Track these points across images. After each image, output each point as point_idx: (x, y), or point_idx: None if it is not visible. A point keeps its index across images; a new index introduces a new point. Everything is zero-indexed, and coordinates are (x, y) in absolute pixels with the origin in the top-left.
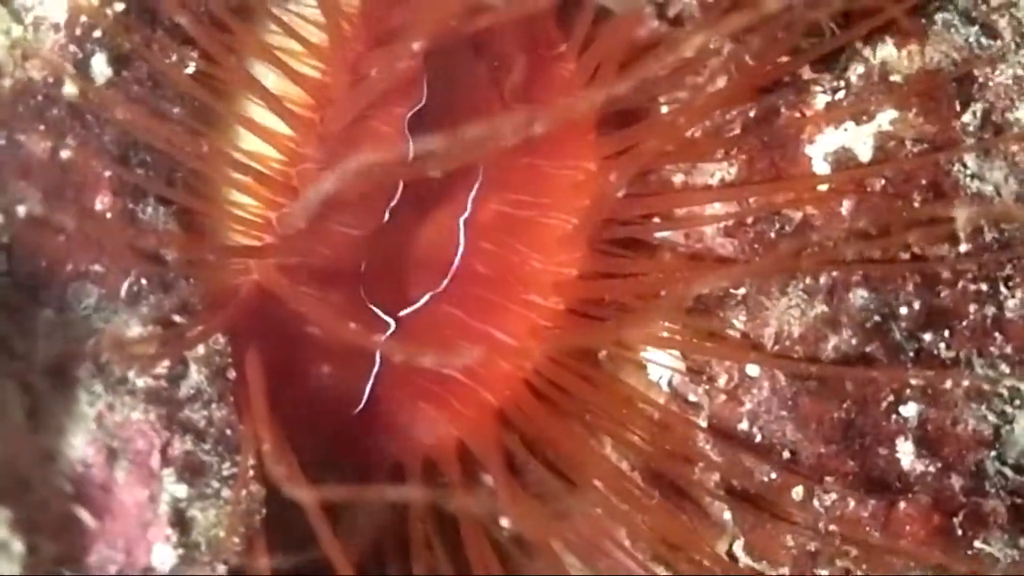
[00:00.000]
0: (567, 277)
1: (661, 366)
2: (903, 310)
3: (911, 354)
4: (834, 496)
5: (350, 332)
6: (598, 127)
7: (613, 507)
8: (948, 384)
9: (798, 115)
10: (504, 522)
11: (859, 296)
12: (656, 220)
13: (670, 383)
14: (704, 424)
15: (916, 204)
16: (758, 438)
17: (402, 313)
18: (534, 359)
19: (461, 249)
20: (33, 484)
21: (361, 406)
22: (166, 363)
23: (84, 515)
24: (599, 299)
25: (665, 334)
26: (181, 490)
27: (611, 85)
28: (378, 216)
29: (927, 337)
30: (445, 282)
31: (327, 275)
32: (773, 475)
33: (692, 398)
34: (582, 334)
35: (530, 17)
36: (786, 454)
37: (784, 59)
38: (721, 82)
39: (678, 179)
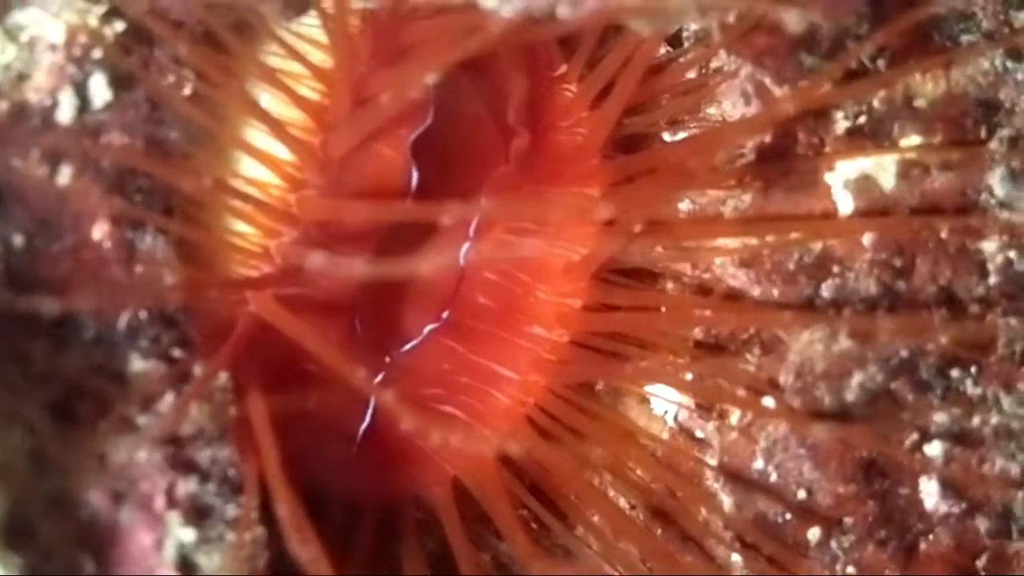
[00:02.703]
0: (571, 308)
1: (666, 400)
2: (930, 345)
3: (939, 391)
4: (852, 537)
5: (345, 370)
6: (603, 152)
7: (611, 546)
8: (975, 422)
9: (817, 141)
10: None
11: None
12: (660, 250)
13: (676, 418)
14: (714, 462)
15: (943, 235)
16: (773, 477)
17: (400, 350)
18: (536, 394)
19: (462, 279)
20: (39, 530)
21: (357, 441)
22: (169, 401)
23: (89, 565)
24: (604, 331)
25: (670, 370)
26: (186, 534)
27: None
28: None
29: (954, 373)
30: (444, 315)
31: (324, 306)
32: (788, 516)
33: (700, 434)
34: (586, 371)
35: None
36: (802, 494)
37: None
38: (737, 107)
39: (685, 205)
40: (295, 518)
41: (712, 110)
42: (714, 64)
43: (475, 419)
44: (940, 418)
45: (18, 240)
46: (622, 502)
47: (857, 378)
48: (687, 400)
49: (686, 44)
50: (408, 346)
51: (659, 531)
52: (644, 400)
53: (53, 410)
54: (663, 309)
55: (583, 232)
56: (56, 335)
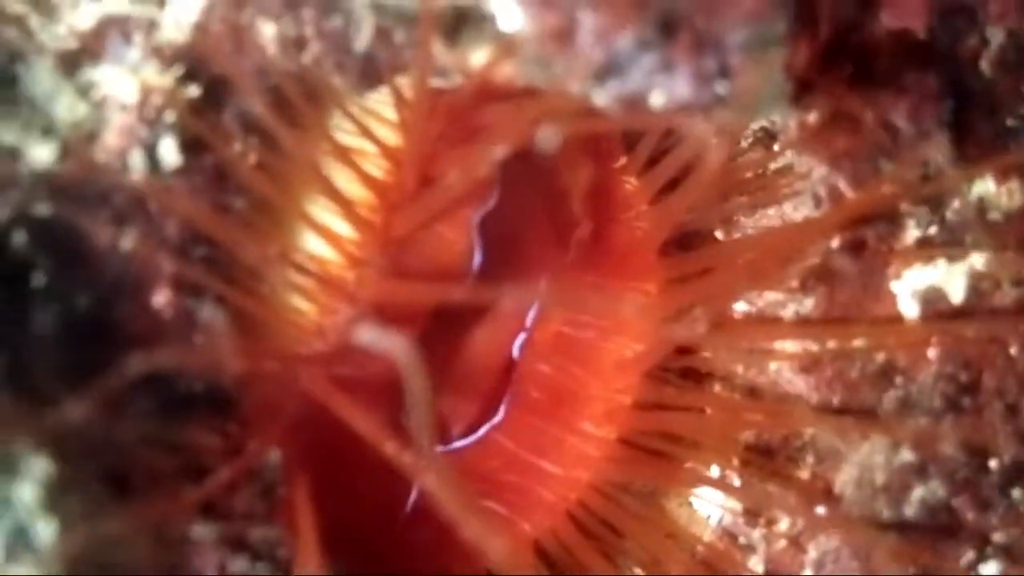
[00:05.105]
0: (621, 405)
1: (711, 503)
2: (993, 463)
3: (1000, 510)
4: None
5: (392, 453)
6: (661, 247)
7: None
8: None
9: (885, 248)
10: None
11: (949, 446)
12: (710, 352)
13: (720, 521)
14: (760, 570)
15: (1012, 352)
16: None
17: (453, 444)
18: (579, 489)
19: (518, 372)
20: None
21: (398, 526)
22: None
23: None
24: (653, 431)
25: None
26: None
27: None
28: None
29: (1016, 494)
30: (501, 413)
31: (372, 391)
32: None
33: (744, 540)
34: (633, 471)
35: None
36: None
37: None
38: (805, 209)
39: (742, 307)
40: None
41: (772, 211)
42: (774, 165)
43: (516, 514)
44: (998, 537)
45: (81, 302)
46: None
47: (918, 492)
48: (733, 504)
49: (744, 143)
50: (465, 442)
51: None
52: (687, 502)
53: (108, 480)
54: (708, 411)
55: (640, 328)
56: (112, 403)
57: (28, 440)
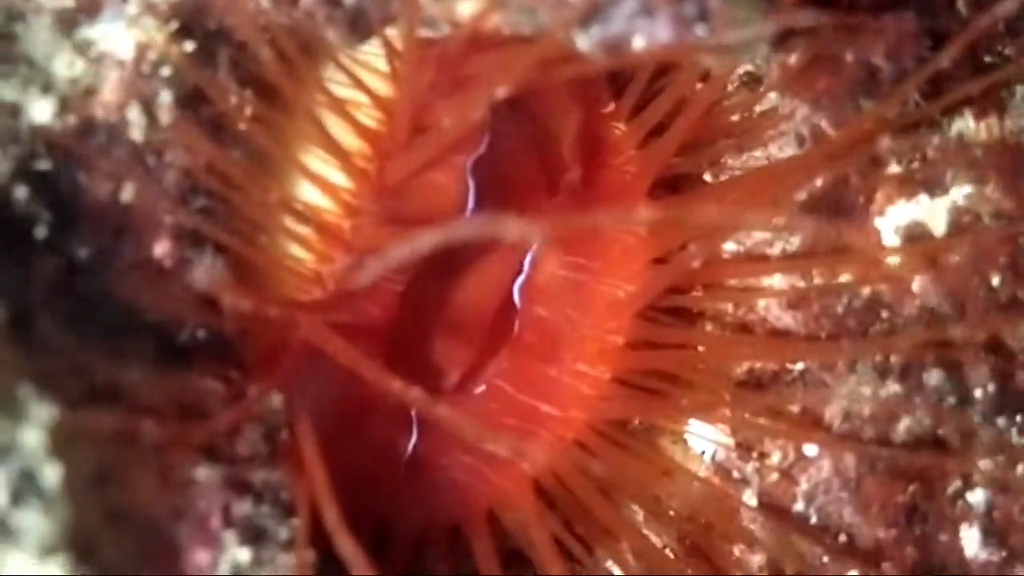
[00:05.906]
0: (614, 345)
1: (704, 439)
2: (978, 393)
3: (985, 439)
4: None
5: (399, 390)
6: (651, 190)
7: None
8: (1020, 471)
9: (869, 186)
10: None
11: (934, 376)
12: (700, 291)
13: (714, 457)
14: (753, 503)
15: (994, 283)
16: (813, 519)
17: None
18: (576, 429)
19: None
20: (101, 543)
21: (399, 471)
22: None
23: None
24: (646, 369)
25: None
26: (242, 554)
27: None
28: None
29: (1001, 422)
30: (504, 360)
31: (369, 338)
32: (826, 559)
33: (738, 475)
34: (628, 408)
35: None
36: (842, 537)
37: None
38: (790, 149)
39: (731, 246)
40: (346, 539)
41: (758, 153)
42: (759, 107)
43: (515, 455)
44: (984, 466)
45: (82, 254)
46: (654, 539)
47: (905, 423)
48: (726, 439)
49: (730, 87)
50: (477, 390)
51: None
52: (681, 439)
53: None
54: (701, 348)
55: (630, 269)
56: (117, 351)
57: (32, 386)
